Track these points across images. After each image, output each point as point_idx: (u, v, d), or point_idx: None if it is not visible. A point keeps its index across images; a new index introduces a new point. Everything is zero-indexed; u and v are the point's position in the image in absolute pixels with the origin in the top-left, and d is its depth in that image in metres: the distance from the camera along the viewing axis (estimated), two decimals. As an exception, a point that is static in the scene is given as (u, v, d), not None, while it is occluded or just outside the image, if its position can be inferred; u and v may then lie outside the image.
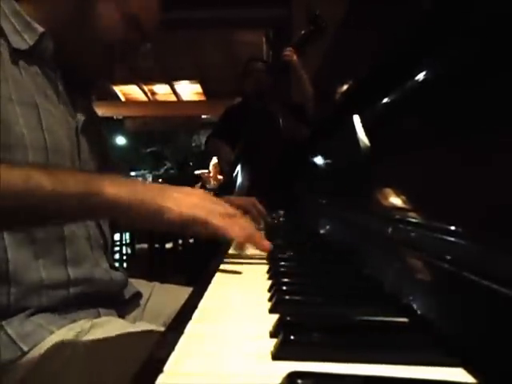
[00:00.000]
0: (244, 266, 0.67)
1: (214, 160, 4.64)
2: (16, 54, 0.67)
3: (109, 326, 0.68)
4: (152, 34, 0.81)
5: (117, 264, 0.85)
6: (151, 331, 0.69)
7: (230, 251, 0.77)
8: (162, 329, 0.64)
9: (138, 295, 0.87)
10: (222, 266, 0.65)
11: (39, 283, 0.65)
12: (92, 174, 0.59)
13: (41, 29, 0.69)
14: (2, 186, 0.49)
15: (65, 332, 0.64)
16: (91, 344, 0.62)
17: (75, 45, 0.74)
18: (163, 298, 0.90)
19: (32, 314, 0.64)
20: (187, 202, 0.58)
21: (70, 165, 0.73)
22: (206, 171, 4.92)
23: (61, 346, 0.62)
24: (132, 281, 0.88)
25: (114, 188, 0.54)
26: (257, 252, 0.71)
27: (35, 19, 0.70)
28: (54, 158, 0.68)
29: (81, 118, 0.77)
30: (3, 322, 0.61)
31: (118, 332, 0.65)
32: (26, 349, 0.61)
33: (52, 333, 0.63)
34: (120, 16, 0.74)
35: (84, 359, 0.61)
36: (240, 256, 0.70)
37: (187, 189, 0.62)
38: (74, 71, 0.77)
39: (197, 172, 5.07)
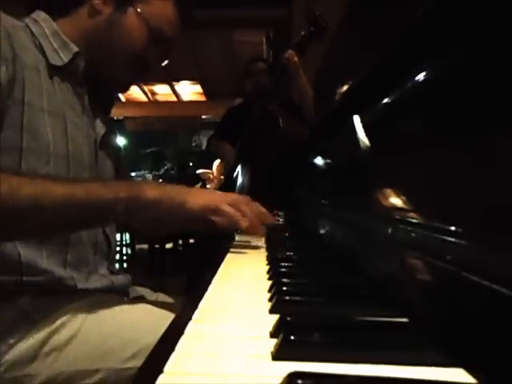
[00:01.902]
0: (245, 263, 0.67)
1: (217, 161, 4.64)
2: (51, 70, 0.75)
3: (116, 301, 0.75)
4: (173, 44, 0.88)
5: (117, 265, 0.87)
6: (158, 304, 0.76)
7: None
8: (173, 302, 0.75)
9: (141, 298, 0.89)
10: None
11: (50, 276, 0.70)
12: (132, 181, 0.71)
13: (75, 48, 0.77)
14: (69, 200, 0.60)
15: (75, 305, 0.71)
16: (99, 315, 0.70)
17: (106, 58, 0.82)
18: None
19: (43, 292, 0.69)
20: (204, 195, 0.73)
21: (88, 173, 0.79)
22: (208, 171, 4.92)
23: (71, 317, 0.69)
24: (137, 288, 0.91)
25: (151, 190, 0.66)
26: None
27: (71, 37, 0.77)
28: (74, 166, 0.74)
29: (100, 131, 0.85)
30: (15, 298, 0.67)
31: (125, 306, 0.73)
32: (39, 320, 0.67)
33: (62, 306, 0.70)
34: (145, 29, 0.81)
35: (92, 329, 0.68)
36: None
37: (202, 189, 0.76)
38: (99, 87, 0.86)
39: (198, 171, 5.08)
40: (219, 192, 0.76)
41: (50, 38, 0.76)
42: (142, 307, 0.75)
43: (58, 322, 0.68)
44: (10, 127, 0.66)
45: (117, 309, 0.72)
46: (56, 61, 0.75)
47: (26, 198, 0.57)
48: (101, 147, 0.84)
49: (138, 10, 0.80)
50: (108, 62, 0.83)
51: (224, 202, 0.72)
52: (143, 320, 0.70)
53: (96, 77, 0.84)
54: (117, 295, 0.81)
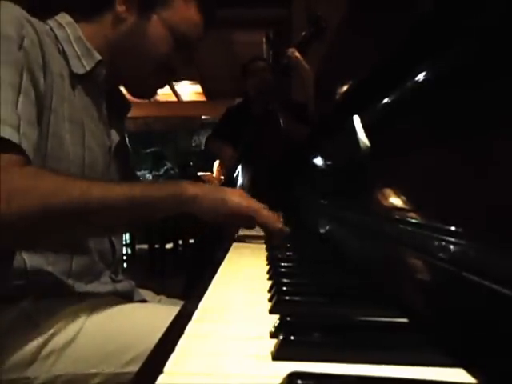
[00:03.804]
0: (245, 263, 0.67)
1: (218, 162, 4.65)
2: (73, 77, 0.76)
3: (116, 304, 0.75)
4: (196, 49, 0.88)
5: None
6: (156, 309, 0.79)
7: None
8: (174, 306, 0.74)
9: (144, 302, 0.89)
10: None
11: (53, 281, 0.70)
12: (173, 181, 0.77)
13: (99, 57, 0.78)
14: (130, 200, 0.66)
15: (77, 307, 0.71)
16: (99, 319, 0.70)
17: (132, 66, 0.83)
18: None
19: (45, 294, 0.69)
20: (239, 194, 0.80)
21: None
22: (209, 173, 4.93)
23: (71, 320, 0.69)
24: (140, 291, 0.91)
25: (192, 187, 0.73)
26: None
27: (94, 44, 0.78)
28: (88, 173, 0.75)
29: (115, 138, 0.86)
30: (17, 300, 0.67)
31: (125, 309, 0.74)
32: (40, 322, 0.67)
33: (63, 309, 0.70)
34: (170, 35, 0.81)
35: (92, 332, 0.68)
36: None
37: (237, 189, 0.87)
38: (117, 95, 0.88)
39: (200, 174, 5.09)
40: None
41: (74, 44, 0.76)
42: (142, 311, 0.75)
43: (58, 325, 0.68)
44: (39, 131, 0.67)
45: (117, 312, 0.72)
46: (78, 69, 0.76)
47: (96, 199, 0.62)
48: (114, 154, 0.85)
49: (162, 15, 0.79)
50: (135, 70, 0.83)
51: (259, 206, 0.81)
52: (143, 324, 0.69)
53: (116, 85, 0.86)
54: (120, 299, 0.81)
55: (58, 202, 0.59)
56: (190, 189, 0.72)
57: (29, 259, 0.67)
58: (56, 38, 0.75)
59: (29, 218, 0.57)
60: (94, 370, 0.65)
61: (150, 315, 0.73)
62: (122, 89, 0.92)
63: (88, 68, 0.76)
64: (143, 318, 0.72)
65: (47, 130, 0.68)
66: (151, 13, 0.79)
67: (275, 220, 0.83)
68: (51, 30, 0.75)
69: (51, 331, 0.67)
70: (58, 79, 0.71)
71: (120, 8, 0.78)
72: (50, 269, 0.69)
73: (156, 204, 0.69)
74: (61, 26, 0.76)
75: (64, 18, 0.78)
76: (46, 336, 0.66)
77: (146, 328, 0.67)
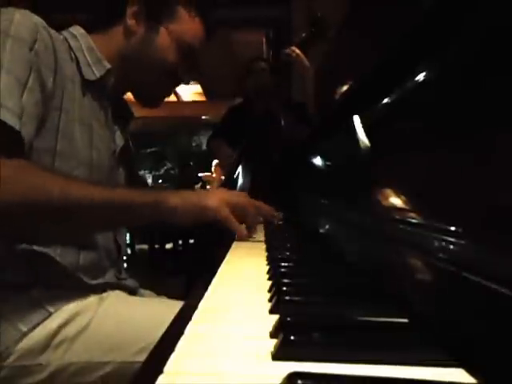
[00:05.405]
0: (245, 263, 0.67)
1: (216, 162, 4.65)
2: (84, 83, 0.81)
3: (127, 296, 0.79)
4: (199, 57, 0.94)
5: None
6: (165, 302, 0.82)
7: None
8: (177, 302, 0.77)
9: None
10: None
11: (62, 275, 0.73)
12: (157, 190, 0.80)
13: (108, 65, 0.83)
14: (108, 203, 0.67)
15: (88, 297, 0.74)
16: (110, 308, 0.73)
17: (142, 76, 0.89)
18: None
19: (56, 284, 0.72)
20: (219, 199, 0.79)
21: (107, 182, 0.84)
22: (210, 174, 4.95)
23: (83, 310, 0.72)
24: (141, 291, 0.94)
25: (173, 197, 0.74)
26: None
27: (104, 54, 0.82)
28: (95, 174, 0.79)
29: (119, 143, 0.91)
30: (29, 288, 0.70)
31: (136, 301, 0.78)
32: (52, 310, 0.70)
33: (75, 298, 0.73)
34: (177, 46, 0.87)
35: (103, 322, 0.71)
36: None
37: (213, 190, 0.96)
38: (121, 104, 0.94)
39: (201, 174, 5.11)
40: (231, 192, 0.90)
41: (86, 53, 0.81)
42: (151, 302, 0.78)
43: (70, 314, 0.70)
44: (48, 131, 0.70)
45: (127, 303, 0.75)
46: (89, 75, 0.81)
47: (74, 197, 0.64)
48: (118, 158, 0.89)
49: (168, 28, 0.85)
50: (143, 79, 0.89)
51: (241, 205, 0.83)
52: (153, 315, 0.72)
53: (123, 92, 0.92)
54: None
55: (37, 198, 0.61)
56: (171, 199, 0.74)
57: (37, 249, 0.70)
58: (69, 47, 0.80)
59: (9, 210, 0.59)
60: (105, 359, 0.67)
61: (160, 307, 0.76)
62: (126, 98, 0.97)
63: (98, 75, 0.81)
64: (152, 309, 0.74)
65: (57, 129, 0.72)
66: (158, 26, 0.85)
67: (253, 217, 0.88)
68: (65, 39, 0.80)
69: (63, 320, 0.69)
70: (70, 83, 0.76)
71: (130, 22, 0.84)
72: (58, 260, 0.72)
73: (134, 210, 0.71)
74: (74, 36, 0.82)
75: (77, 29, 0.84)
76: (58, 324, 0.69)
77: (155, 319, 0.69)
